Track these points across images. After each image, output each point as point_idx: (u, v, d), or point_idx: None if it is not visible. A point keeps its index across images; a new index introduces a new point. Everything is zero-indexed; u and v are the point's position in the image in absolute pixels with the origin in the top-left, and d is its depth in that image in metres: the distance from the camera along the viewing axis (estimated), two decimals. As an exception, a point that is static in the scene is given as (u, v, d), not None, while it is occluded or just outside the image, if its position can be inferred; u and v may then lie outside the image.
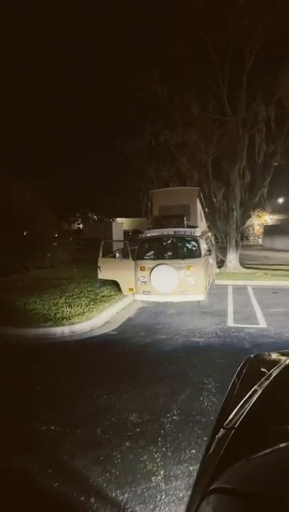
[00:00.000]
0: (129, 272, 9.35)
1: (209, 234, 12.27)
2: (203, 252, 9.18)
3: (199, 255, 9.08)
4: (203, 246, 9.43)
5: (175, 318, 8.51)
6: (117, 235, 30.82)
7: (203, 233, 10.30)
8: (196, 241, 9.22)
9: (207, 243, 10.84)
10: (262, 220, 41.19)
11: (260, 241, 36.81)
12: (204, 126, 13.05)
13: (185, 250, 9.30)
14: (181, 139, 13.36)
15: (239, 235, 15.66)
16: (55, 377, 5.23)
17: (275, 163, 15.41)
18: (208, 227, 13.11)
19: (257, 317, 8.30)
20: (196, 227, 9.71)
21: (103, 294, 10.40)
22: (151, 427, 3.86)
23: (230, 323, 7.98)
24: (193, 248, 9.22)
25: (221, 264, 15.65)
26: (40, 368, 5.60)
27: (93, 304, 9.16)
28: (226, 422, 1.53)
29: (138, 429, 3.83)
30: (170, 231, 9.46)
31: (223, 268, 15.31)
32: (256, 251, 27.49)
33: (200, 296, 8.92)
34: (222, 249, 16.09)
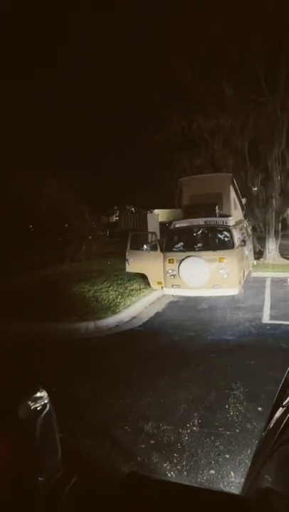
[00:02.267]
0: (158, 265, 8.92)
1: (245, 223, 11.54)
2: (236, 243, 8.55)
3: (232, 246, 8.47)
4: (237, 236, 8.79)
5: (206, 314, 8.01)
6: (153, 226, 30.30)
7: (237, 223, 9.64)
8: (229, 231, 8.61)
9: (242, 233, 10.17)
10: (306, 208, 39.12)
11: (304, 230, 34.96)
12: (239, 109, 12.22)
13: (217, 241, 8.72)
14: (214, 124, 12.62)
15: (279, 224, 14.71)
16: (71, 377, 4.95)
17: None
18: (245, 216, 12.37)
19: (296, 312, 7.62)
20: (229, 216, 9.08)
21: (132, 287, 10.07)
22: (167, 440, 3.46)
23: (266, 319, 7.36)
24: (226, 239, 8.61)
25: (259, 255, 14.82)
26: (56, 367, 5.35)
27: (121, 298, 8.85)
28: (286, 401, 1.47)
29: (152, 442, 3.44)
30: (200, 221, 8.90)
31: (261, 259, 14.47)
32: (299, 241, 26.11)
33: (233, 291, 8.33)
34: (260, 240, 15.21)
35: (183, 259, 8.40)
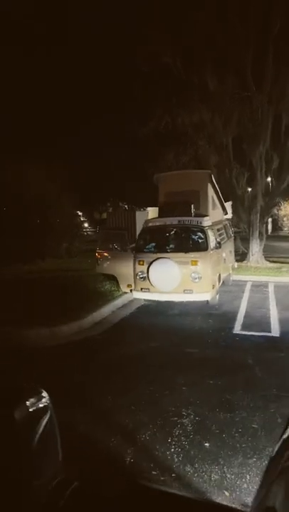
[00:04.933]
0: (128, 266, 8.32)
1: (227, 224, 10.96)
2: (211, 245, 7.96)
3: (206, 248, 7.87)
4: (212, 238, 8.20)
5: (175, 321, 7.41)
6: (141, 223, 29.73)
7: (215, 223, 9.04)
8: (204, 232, 8.00)
9: (220, 234, 9.59)
10: (299, 208, 38.89)
11: (297, 232, 34.60)
12: (223, 103, 11.61)
13: (190, 242, 8.11)
14: (197, 119, 11.99)
15: (264, 226, 14.14)
16: None
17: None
18: (231, 215, 11.82)
19: (270, 323, 7.02)
20: (204, 216, 8.46)
21: (104, 289, 9.44)
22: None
23: (238, 329, 6.77)
24: (200, 240, 8.00)
25: (243, 257, 14.28)
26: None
27: (88, 302, 8.20)
28: None
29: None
30: (174, 220, 8.29)
31: (245, 261, 13.93)
32: (290, 242, 25.75)
33: (205, 296, 7.73)
34: (246, 241, 14.65)
35: (153, 261, 7.79)
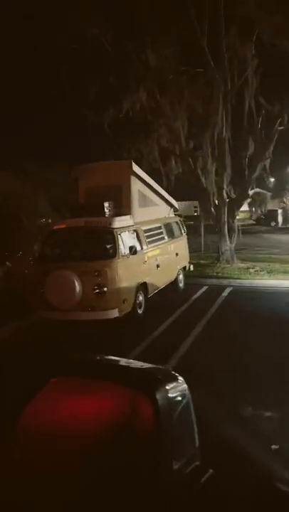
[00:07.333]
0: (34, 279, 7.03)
1: (173, 222, 9.46)
2: (122, 251, 6.55)
3: (114, 255, 6.47)
4: (126, 241, 6.77)
5: (67, 346, 6.02)
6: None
7: (142, 223, 7.62)
8: (112, 235, 6.57)
9: (156, 234, 8.20)
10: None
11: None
12: (167, 82, 10.07)
13: (96, 248, 6.73)
14: (139, 102, 10.48)
15: (235, 221, 12.50)
16: None
17: (281, 127, 12.02)
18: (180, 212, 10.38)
19: (178, 348, 5.54)
20: (117, 216, 7.01)
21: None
22: None
23: (131, 358, 5.33)
24: (107, 245, 6.59)
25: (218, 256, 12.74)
26: None
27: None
28: None
29: None
30: (80, 222, 6.90)
31: (218, 262, 12.39)
32: (289, 235, 23.80)
33: (112, 313, 6.33)
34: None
35: (49, 273, 6.46)
